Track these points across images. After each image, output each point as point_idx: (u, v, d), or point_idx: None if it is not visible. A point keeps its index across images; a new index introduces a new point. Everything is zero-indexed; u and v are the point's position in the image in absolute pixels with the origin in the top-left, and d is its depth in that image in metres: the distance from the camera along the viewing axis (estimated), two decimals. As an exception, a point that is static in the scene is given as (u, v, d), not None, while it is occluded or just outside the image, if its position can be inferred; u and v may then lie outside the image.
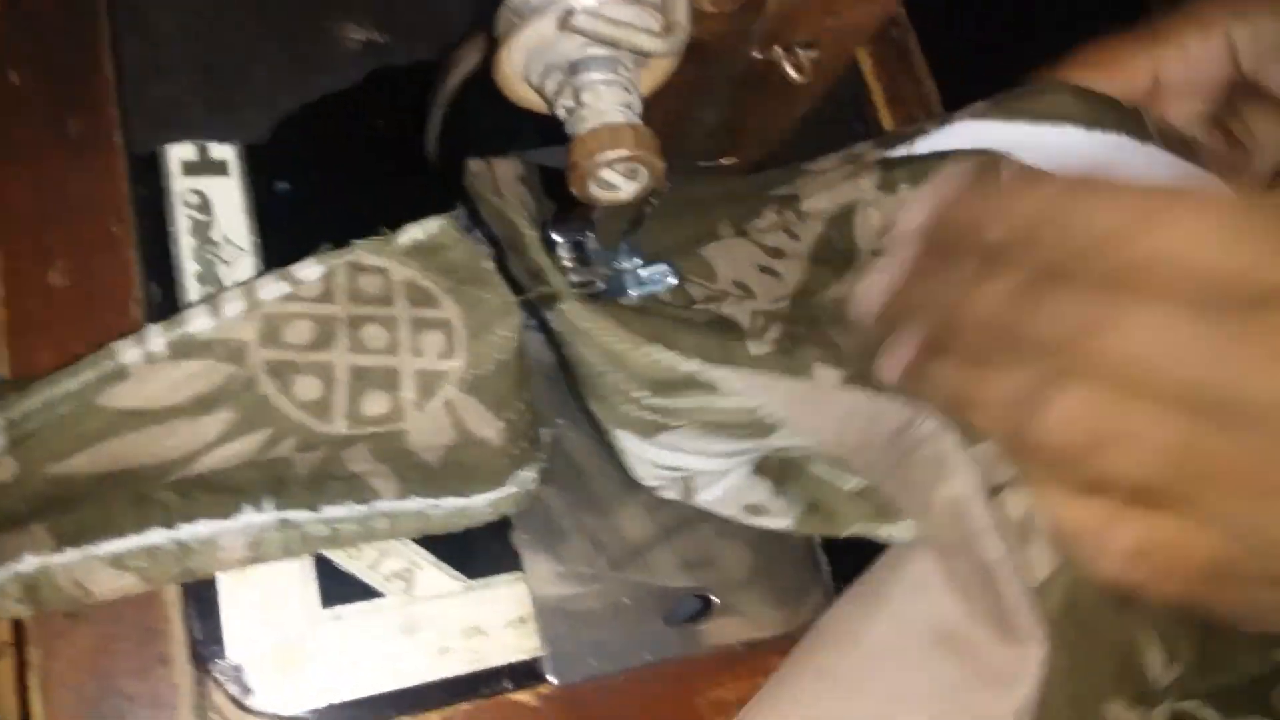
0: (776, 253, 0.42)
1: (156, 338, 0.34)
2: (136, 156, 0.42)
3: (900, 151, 0.42)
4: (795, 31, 0.32)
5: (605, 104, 0.29)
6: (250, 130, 0.43)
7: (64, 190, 0.41)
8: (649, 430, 0.35)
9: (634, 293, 0.41)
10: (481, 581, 0.38)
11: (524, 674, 0.38)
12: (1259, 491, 0.32)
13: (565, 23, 0.28)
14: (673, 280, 0.41)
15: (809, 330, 0.39)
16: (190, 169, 0.42)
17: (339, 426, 0.35)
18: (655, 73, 0.31)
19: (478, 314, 0.36)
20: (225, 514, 0.34)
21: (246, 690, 0.35)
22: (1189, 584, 0.34)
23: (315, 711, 0.36)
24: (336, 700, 0.36)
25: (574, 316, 0.34)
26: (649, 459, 0.37)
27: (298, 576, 0.37)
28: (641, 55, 0.29)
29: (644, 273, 0.41)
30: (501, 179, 0.38)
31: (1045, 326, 0.33)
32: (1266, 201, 0.34)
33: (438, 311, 0.36)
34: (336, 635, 0.36)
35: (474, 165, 0.37)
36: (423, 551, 0.38)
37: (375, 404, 0.36)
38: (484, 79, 0.32)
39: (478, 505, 0.37)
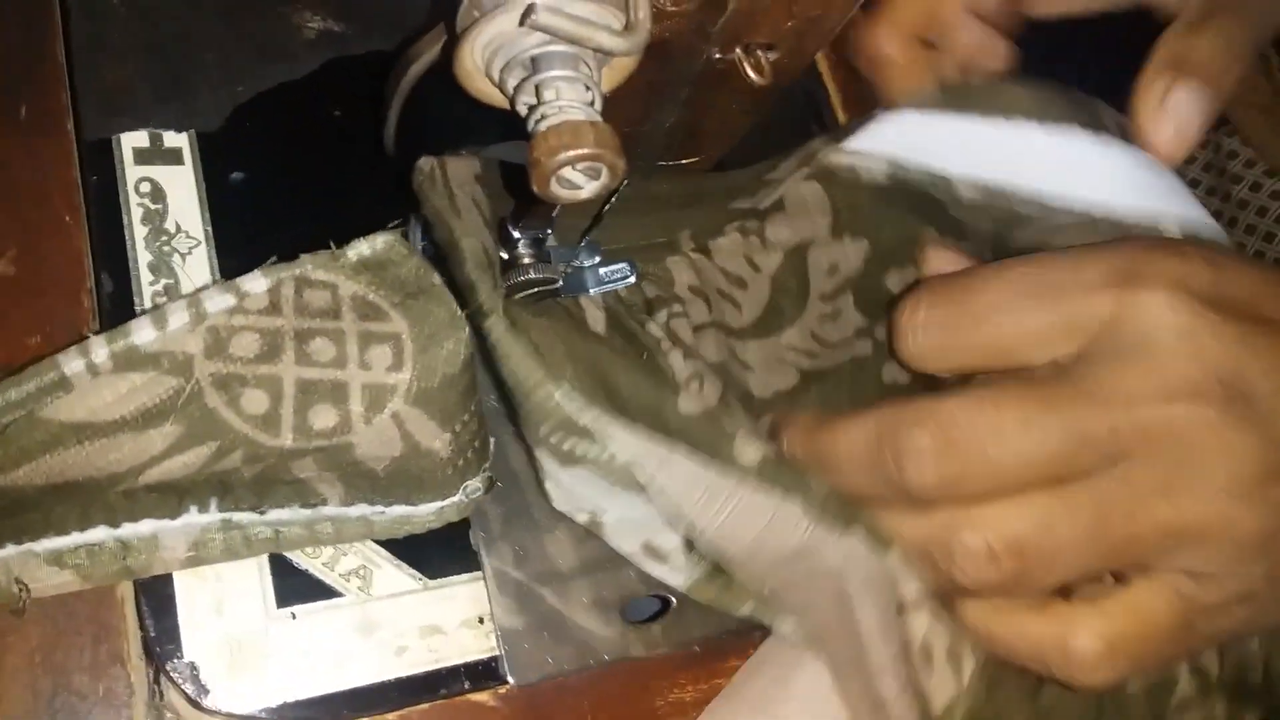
0: (739, 282, 0.42)
1: (99, 349, 0.33)
2: (88, 143, 0.41)
3: (852, 141, 0.42)
4: (756, 32, 0.31)
5: (566, 101, 0.28)
6: (205, 118, 0.43)
7: (14, 177, 0.40)
8: (564, 459, 0.35)
9: (593, 290, 0.41)
10: (440, 581, 0.38)
11: (482, 674, 0.37)
12: (1184, 528, 0.33)
13: (527, 18, 0.27)
14: (632, 279, 0.41)
15: (740, 399, 0.38)
16: (143, 157, 0.41)
17: (286, 439, 0.35)
18: (616, 71, 0.30)
19: (425, 327, 0.36)
20: (170, 513, 0.33)
21: (201, 689, 0.35)
22: (1166, 651, 0.35)
23: (271, 711, 0.35)
24: (292, 699, 0.35)
25: (496, 337, 0.34)
26: (565, 484, 0.36)
27: (254, 575, 0.36)
28: (603, 53, 0.28)
29: (603, 270, 0.41)
30: (454, 179, 0.37)
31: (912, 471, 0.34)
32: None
33: (386, 325, 0.36)
34: (292, 634, 0.36)
35: (424, 165, 0.37)
36: (381, 550, 0.38)
37: (323, 417, 0.35)
38: (444, 72, 0.32)
39: (422, 514, 0.37)
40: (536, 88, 0.29)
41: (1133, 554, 0.34)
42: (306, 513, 0.35)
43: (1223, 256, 0.35)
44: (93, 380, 0.33)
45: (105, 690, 0.35)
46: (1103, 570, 0.35)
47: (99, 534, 0.33)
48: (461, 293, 0.36)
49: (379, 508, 0.36)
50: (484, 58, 0.29)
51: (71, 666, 0.35)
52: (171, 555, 0.34)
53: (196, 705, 0.35)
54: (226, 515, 0.34)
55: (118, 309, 0.38)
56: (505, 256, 0.39)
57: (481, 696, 0.38)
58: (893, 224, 0.43)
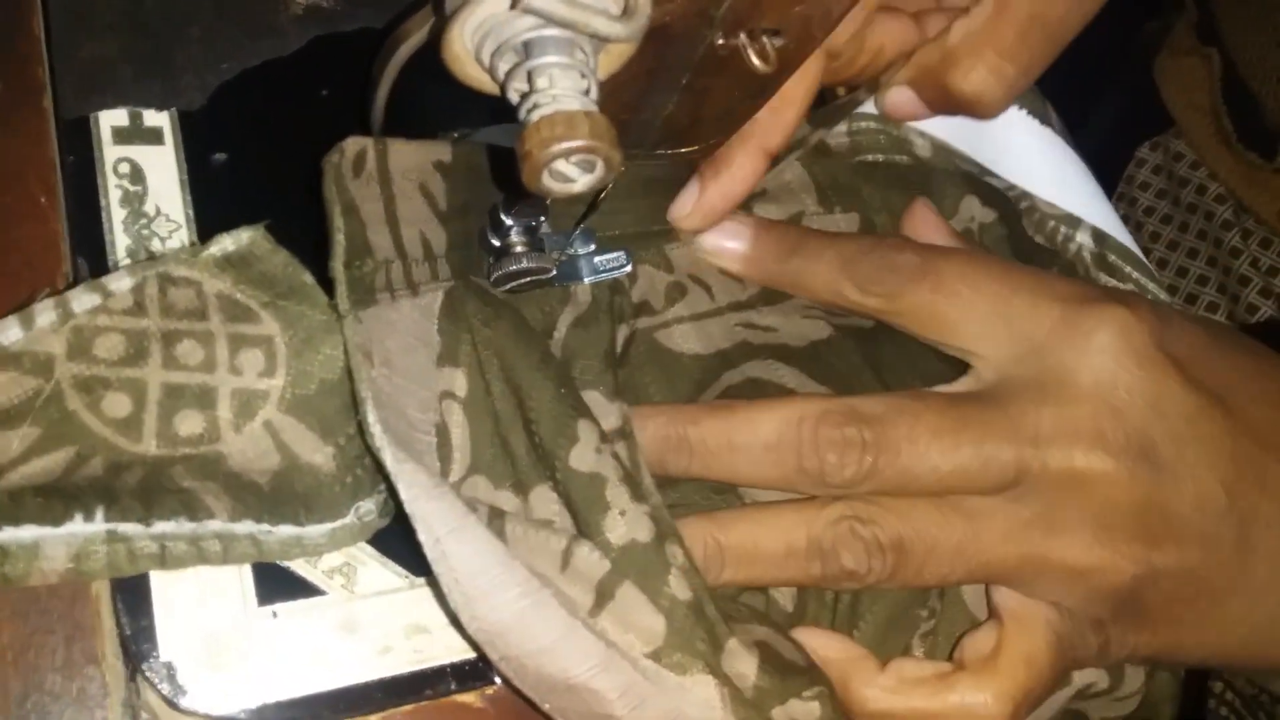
0: None
1: None
2: (66, 122, 0.40)
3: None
4: (762, 17, 0.30)
5: (560, 89, 0.27)
6: (187, 96, 0.42)
7: (-13, 156, 0.39)
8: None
9: (588, 279, 0.40)
10: (426, 578, 0.37)
11: (468, 675, 0.36)
12: (1050, 564, 0.36)
13: (519, 1, 0.26)
14: (628, 268, 0.40)
15: (776, 355, 0.37)
16: (122, 136, 0.40)
17: (149, 445, 0.34)
18: (614, 57, 0.29)
19: (299, 330, 0.35)
20: (54, 520, 0.32)
21: (179, 689, 0.34)
22: (1050, 688, 0.37)
23: (250, 712, 0.34)
24: (272, 700, 0.34)
25: (345, 337, 0.33)
26: None
27: (234, 571, 0.35)
28: (599, 39, 0.27)
29: (599, 259, 0.40)
30: (396, 165, 0.36)
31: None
32: None
33: (257, 327, 0.35)
34: (273, 633, 0.35)
35: (350, 146, 0.35)
36: (365, 546, 0.37)
37: (188, 423, 0.34)
38: (433, 54, 0.31)
39: (313, 536, 0.35)
40: (529, 74, 0.27)
41: (997, 575, 0.36)
42: (192, 526, 0.33)
43: (1167, 314, 0.38)
44: None
45: (79, 691, 0.33)
46: (967, 582, 0.37)
47: None
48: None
49: (265, 526, 0.34)
50: (474, 42, 0.28)
51: (44, 666, 0.33)
52: (50, 566, 0.32)
53: (173, 706, 0.34)
54: (112, 526, 0.32)
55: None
56: (497, 244, 0.38)
57: (468, 698, 0.37)
58: (878, 200, 0.44)
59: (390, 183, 0.35)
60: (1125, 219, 0.44)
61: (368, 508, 0.36)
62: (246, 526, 0.34)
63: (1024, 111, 0.44)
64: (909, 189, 0.44)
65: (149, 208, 0.39)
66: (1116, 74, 0.44)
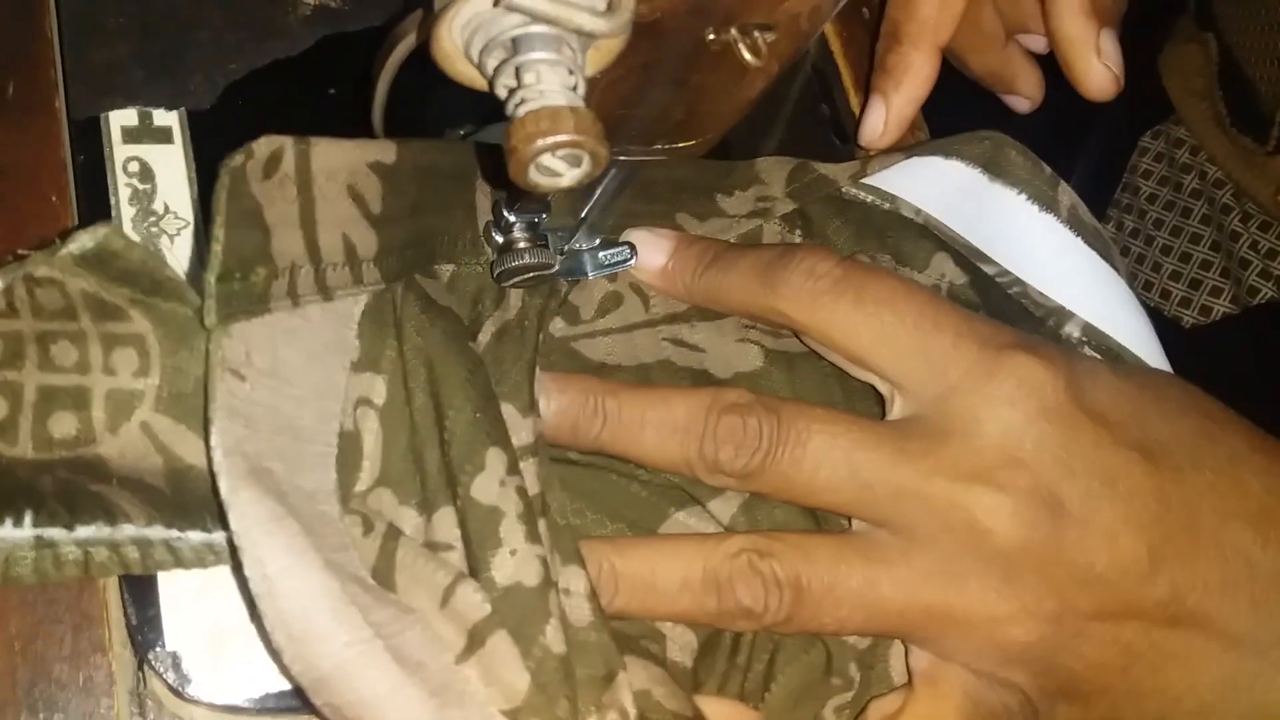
0: None
1: None
2: (76, 122, 0.41)
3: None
4: (752, 13, 0.30)
5: (546, 85, 0.27)
6: (196, 96, 0.42)
7: (1, 157, 0.39)
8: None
9: (592, 274, 0.40)
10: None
11: (468, 665, 0.37)
12: (949, 616, 0.34)
13: (503, -1, 0.26)
14: (633, 261, 0.40)
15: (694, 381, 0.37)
16: (132, 135, 0.41)
17: (26, 449, 0.33)
18: (603, 53, 0.29)
19: (171, 328, 0.34)
20: None
21: (184, 678, 0.34)
22: None
23: (254, 700, 0.35)
24: (276, 690, 0.35)
25: (211, 354, 0.31)
26: None
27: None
28: (584, 35, 0.27)
29: (603, 253, 0.40)
30: (321, 166, 0.34)
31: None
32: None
33: (128, 326, 0.34)
34: (276, 624, 0.36)
35: (261, 147, 0.32)
36: (366, 538, 0.37)
37: (62, 425, 0.33)
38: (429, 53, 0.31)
39: (222, 543, 0.34)
40: (516, 70, 0.28)
41: (900, 628, 0.34)
42: (109, 531, 0.32)
43: (1094, 369, 0.36)
44: None
45: (85, 679, 0.34)
46: (868, 633, 0.36)
47: None
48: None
49: (175, 532, 0.34)
50: (463, 38, 0.28)
51: (51, 655, 0.34)
52: None
53: (179, 695, 0.34)
54: (39, 531, 0.32)
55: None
56: (500, 240, 0.39)
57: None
58: (843, 240, 0.43)
59: (310, 185, 0.33)
60: (1129, 208, 0.43)
61: None
62: (159, 532, 0.33)
63: (1023, 197, 0.42)
64: (878, 234, 0.43)
65: (158, 205, 0.40)
66: (1127, 72, 0.44)
